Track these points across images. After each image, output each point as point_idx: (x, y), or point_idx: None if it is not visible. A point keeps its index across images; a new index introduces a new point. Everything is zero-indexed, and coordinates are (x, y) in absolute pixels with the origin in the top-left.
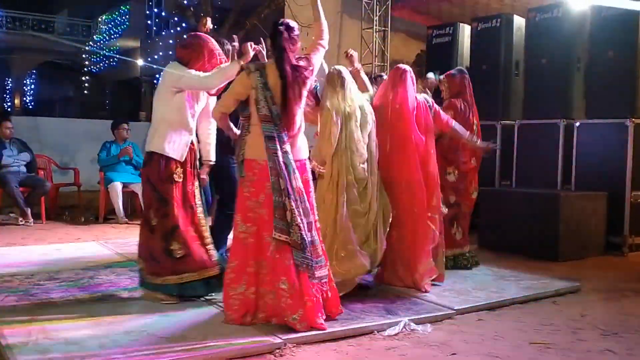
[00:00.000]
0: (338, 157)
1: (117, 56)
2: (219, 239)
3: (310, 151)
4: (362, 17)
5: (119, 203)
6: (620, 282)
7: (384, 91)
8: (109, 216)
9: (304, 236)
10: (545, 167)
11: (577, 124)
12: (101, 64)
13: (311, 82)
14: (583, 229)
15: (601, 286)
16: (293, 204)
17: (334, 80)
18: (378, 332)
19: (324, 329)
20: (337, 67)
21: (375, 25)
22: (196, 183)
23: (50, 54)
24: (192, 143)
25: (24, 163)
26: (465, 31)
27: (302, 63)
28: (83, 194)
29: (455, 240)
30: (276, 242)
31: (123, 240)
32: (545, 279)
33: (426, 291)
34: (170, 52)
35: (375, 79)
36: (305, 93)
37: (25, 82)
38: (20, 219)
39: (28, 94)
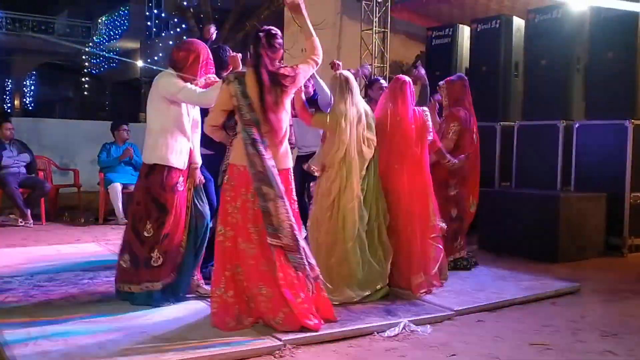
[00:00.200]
0: (347, 162)
1: (117, 57)
2: None
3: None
4: (362, 18)
5: (118, 204)
6: (620, 283)
7: (383, 102)
8: (108, 217)
9: (297, 237)
10: (544, 168)
11: (577, 125)
12: (101, 65)
13: (294, 91)
14: (583, 230)
15: (601, 287)
16: (280, 204)
17: (342, 86)
18: (378, 333)
19: (316, 329)
20: (344, 72)
21: (375, 27)
22: (189, 187)
23: (50, 55)
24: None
25: (24, 164)
26: (464, 32)
27: (283, 71)
28: (83, 195)
29: (455, 249)
30: (273, 247)
31: None
32: (545, 280)
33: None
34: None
35: (372, 84)
36: (287, 101)
37: (25, 83)
38: (20, 220)
39: (28, 95)
